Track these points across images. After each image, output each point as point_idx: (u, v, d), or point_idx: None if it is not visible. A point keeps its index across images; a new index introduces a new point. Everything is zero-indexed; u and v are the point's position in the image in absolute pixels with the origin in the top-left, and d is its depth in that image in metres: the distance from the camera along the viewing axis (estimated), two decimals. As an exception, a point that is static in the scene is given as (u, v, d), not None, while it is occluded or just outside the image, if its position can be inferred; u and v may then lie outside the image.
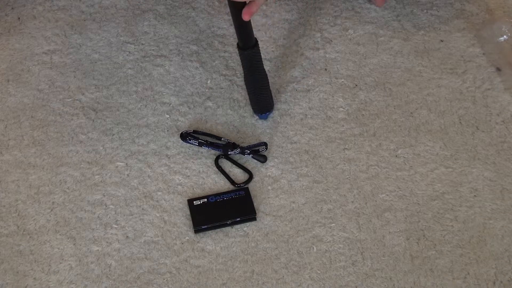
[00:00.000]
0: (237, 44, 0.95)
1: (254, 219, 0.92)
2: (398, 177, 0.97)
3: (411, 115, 1.04)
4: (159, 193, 0.95)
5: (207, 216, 0.91)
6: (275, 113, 1.04)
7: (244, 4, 0.87)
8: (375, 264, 0.89)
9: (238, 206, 0.93)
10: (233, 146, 0.98)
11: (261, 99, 1.00)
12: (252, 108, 1.03)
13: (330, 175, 0.97)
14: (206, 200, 0.93)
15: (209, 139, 0.99)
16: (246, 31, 0.92)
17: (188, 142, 0.99)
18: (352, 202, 0.94)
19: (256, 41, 0.95)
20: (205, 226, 0.91)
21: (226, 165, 0.98)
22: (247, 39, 0.94)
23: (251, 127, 1.02)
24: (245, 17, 0.88)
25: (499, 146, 1.01)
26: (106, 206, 0.93)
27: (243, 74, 0.99)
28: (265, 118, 1.02)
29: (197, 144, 0.98)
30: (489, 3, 1.20)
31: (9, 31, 1.13)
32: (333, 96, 1.06)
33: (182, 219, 0.92)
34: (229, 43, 1.12)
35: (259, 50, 0.96)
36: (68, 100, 1.05)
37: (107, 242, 0.90)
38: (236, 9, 0.88)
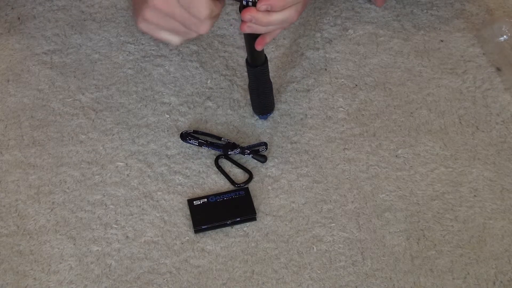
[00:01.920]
0: (246, 59, 0.94)
1: (254, 219, 0.92)
2: (398, 177, 0.97)
3: (411, 115, 1.04)
4: (159, 193, 0.95)
5: (207, 216, 0.91)
6: (275, 113, 1.04)
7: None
8: (375, 264, 0.89)
9: (238, 206, 0.93)
10: (233, 146, 0.98)
11: (264, 104, 1.01)
12: (253, 109, 1.03)
13: (330, 175, 0.97)
14: (206, 200, 0.93)
15: (209, 139, 1.00)
16: (257, 53, 0.91)
17: (188, 142, 0.99)
18: (352, 202, 0.94)
19: (266, 58, 0.94)
20: (205, 226, 0.91)
21: (226, 165, 0.98)
22: (257, 59, 0.93)
23: (251, 127, 1.02)
24: (258, 47, 0.87)
25: (499, 146, 1.01)
26: (106, 206, 0.93)
27: (248, 82, 0.98)
28: (265, 118, 1.03)
29: (197, 144, 0.98)
30: (489, 3, 1.20)
31: (9, 31, 1.13)
32: (333, 96, 1.06)
33: (182, 219, 0.92)
34: (229, 43, 1.12)
35: (268, 65, 0.95)
36: (68, 100, 1.05)
37: (107, 242, 0.90)
38: (250, 37, 0.87)
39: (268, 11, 0.81)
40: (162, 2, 0.79)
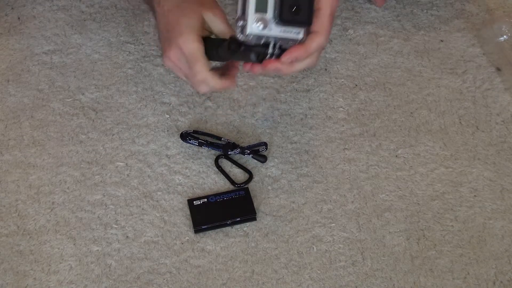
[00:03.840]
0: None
1: (254, 219, 0.92)
2: (398, 177, 0.97)
3: (411, 115, 1.04)
4: (159, 193, 0.95)
5: (207, 216, 0.91)
6: (275, 113, 1.04)
7: None
8: (375, 264, 0.89)
9: (238, 206, 0.93)
10: (233, 146, 0.98)
11: None
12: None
13: (330, 175, 0.97)
14: (206, 200, 0.93)
15: (209, 139, 1.00)
16: None
17: (188, 142, 0.99)
18: (352, 202, 0.94)
19: None
20: (205, 226, 0.91)
21: (226, 165, 0.98)
22: None
23: (251, 127, 1.02)
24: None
25: (499, 146, 1.01)
26: (106, 206, 0.93)
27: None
28: None
29: (197, 144, 0.98)
30: (489, 3, 1.20)
31: (9, 31, 1.13)
32: (333, 96, 1.06)
33: (182, 219, 0.92)
34: (229, 43, 1.12)
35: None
36: (68, 100, 1.05)
37: (107, 242, 0.90)
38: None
39: (291, 62, 0.79)
40: (174, 55, 0.86)
